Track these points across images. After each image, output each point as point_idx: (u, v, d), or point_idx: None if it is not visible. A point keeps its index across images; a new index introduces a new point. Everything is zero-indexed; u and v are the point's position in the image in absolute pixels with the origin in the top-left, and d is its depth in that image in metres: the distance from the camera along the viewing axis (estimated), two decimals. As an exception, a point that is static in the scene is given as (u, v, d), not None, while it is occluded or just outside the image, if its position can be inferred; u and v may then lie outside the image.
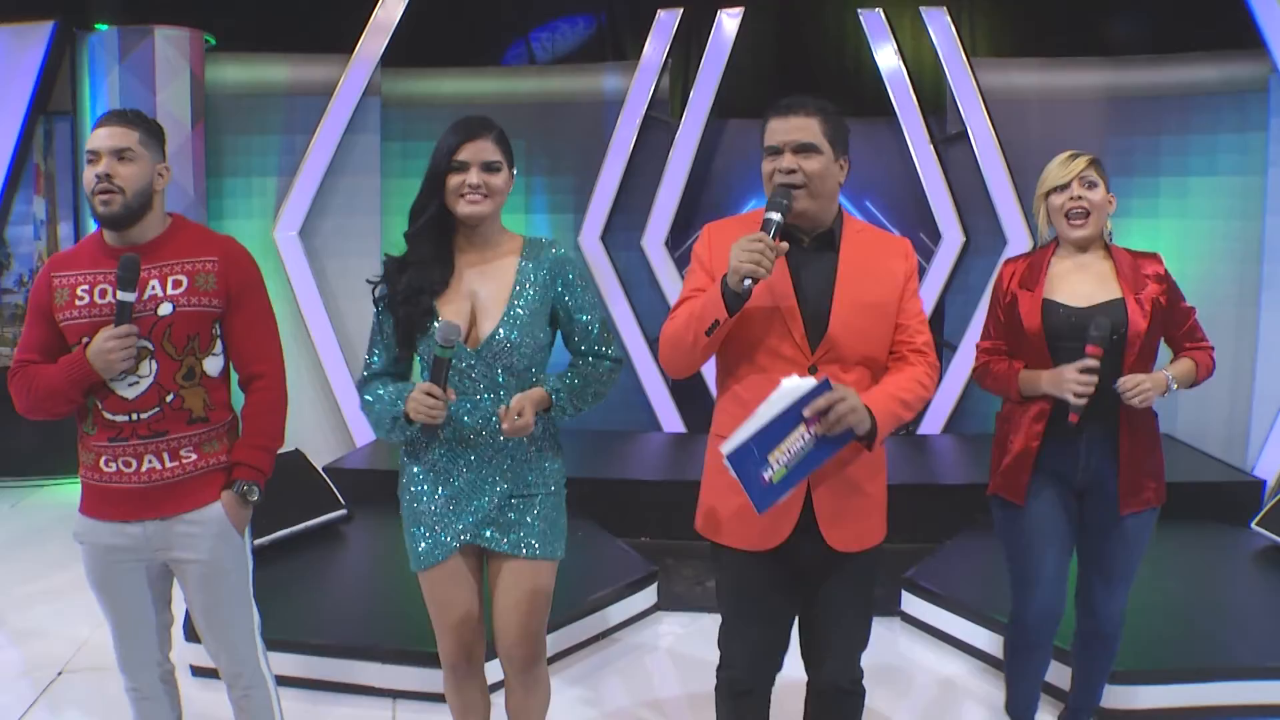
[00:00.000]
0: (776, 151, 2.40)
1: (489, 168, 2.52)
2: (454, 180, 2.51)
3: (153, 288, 2.56)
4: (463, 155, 2.51)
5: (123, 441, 2.57)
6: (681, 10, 7.00)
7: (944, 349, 7.01)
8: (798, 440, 2.25)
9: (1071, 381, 2.73)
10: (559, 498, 2.70)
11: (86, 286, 2.56)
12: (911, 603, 4.42)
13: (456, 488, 2.59)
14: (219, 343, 2.66)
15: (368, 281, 2.67)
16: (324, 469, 5.61)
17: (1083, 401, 2.72)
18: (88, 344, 2.50)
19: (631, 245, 7.09)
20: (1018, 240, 6.56)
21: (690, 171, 7.08)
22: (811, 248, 2.47)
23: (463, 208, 2.52)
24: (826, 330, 2.41)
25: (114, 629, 2.74)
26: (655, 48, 7.06)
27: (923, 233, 7.11)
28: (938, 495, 5.47)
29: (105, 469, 2.59)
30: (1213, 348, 3.01)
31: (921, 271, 7.01)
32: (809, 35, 7.99)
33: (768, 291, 2.39)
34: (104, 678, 3.96)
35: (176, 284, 2.58)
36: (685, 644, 4.29)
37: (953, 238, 6.77)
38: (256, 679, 2.83)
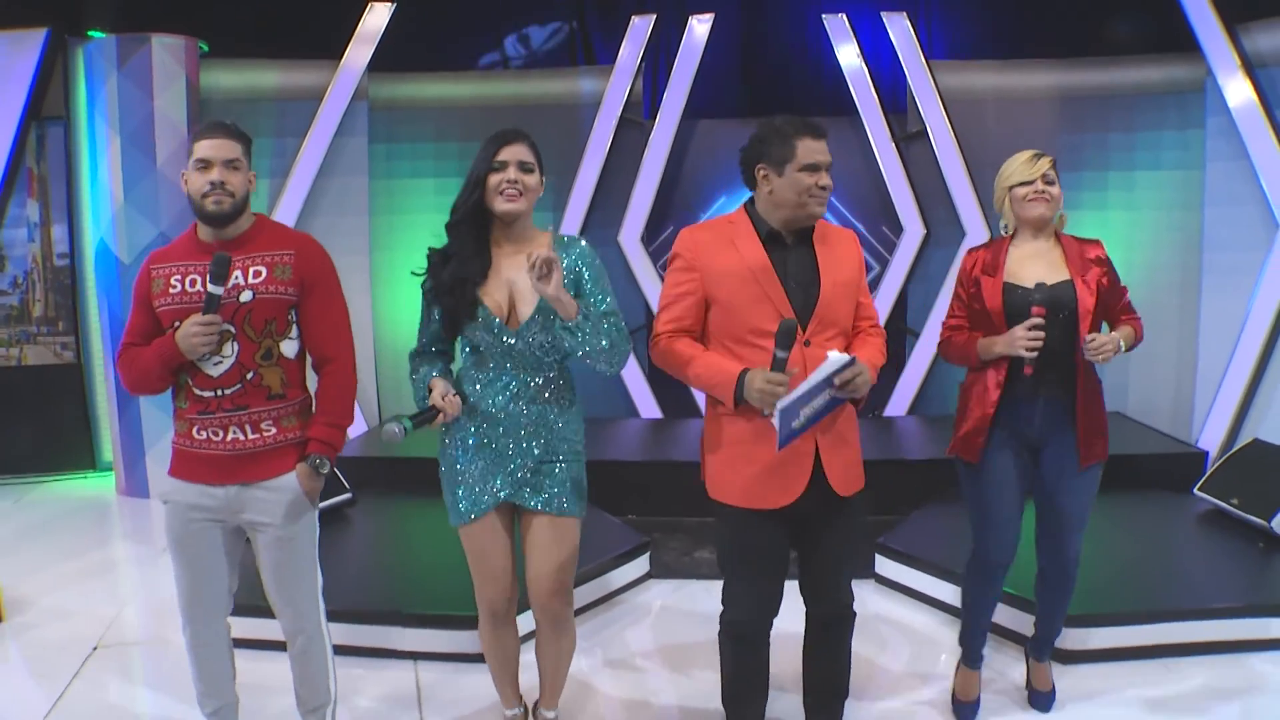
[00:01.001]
0: (816, 169, 2.80)
1: (524, 168, 2.87)
2: (494, 179, 2.85)
3: (236, 277, 2.87)
4: (502, 156, 2.85)
5: (210, 414, 2.89)
6: (655, 16, 7.32)
7: (906, 335, 7.37)
8: (821, 399, 2.69)
9: (1022, 338, 3.10)
10: (581, 461, 3.05)
11: (179, 277, 2.89)
12: (884, 565, 4.80)
13: (495, 452, 2.93)
14: (295, 327, 2.97)
15: (413, 274, 3.01)
16: (333, 454, 5.87)
17: (1033, 355, 3.10)
18: (178, 328, 2.80)
19: (609, 242, 7.38)
20: (975, 232, 6.96)
21: (663, 170, 7.42)
22: (791, 243, 2.88)
23: (501, 204, 2.85)
24: (815, 309, 2.83)
25: (185, 583, 3.02)
26: (629, 52, 7.36)
27: (885, 225, 7.47)
28: (905, 470, 5.86)
29: (197, 436, 2.92)
30: (1140, 319, 3.42)
31: (884, 263, 7.41)
32: (773, 38, 8.30)
33: (755, 282, 2.81)
34: (140, 651, 4.29)
35: (256, 274, 2.89)
36: (676, 605, 4.70)
37: (914, 230, 7.15)
38: (316, 635, 3.13)
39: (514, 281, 2.91)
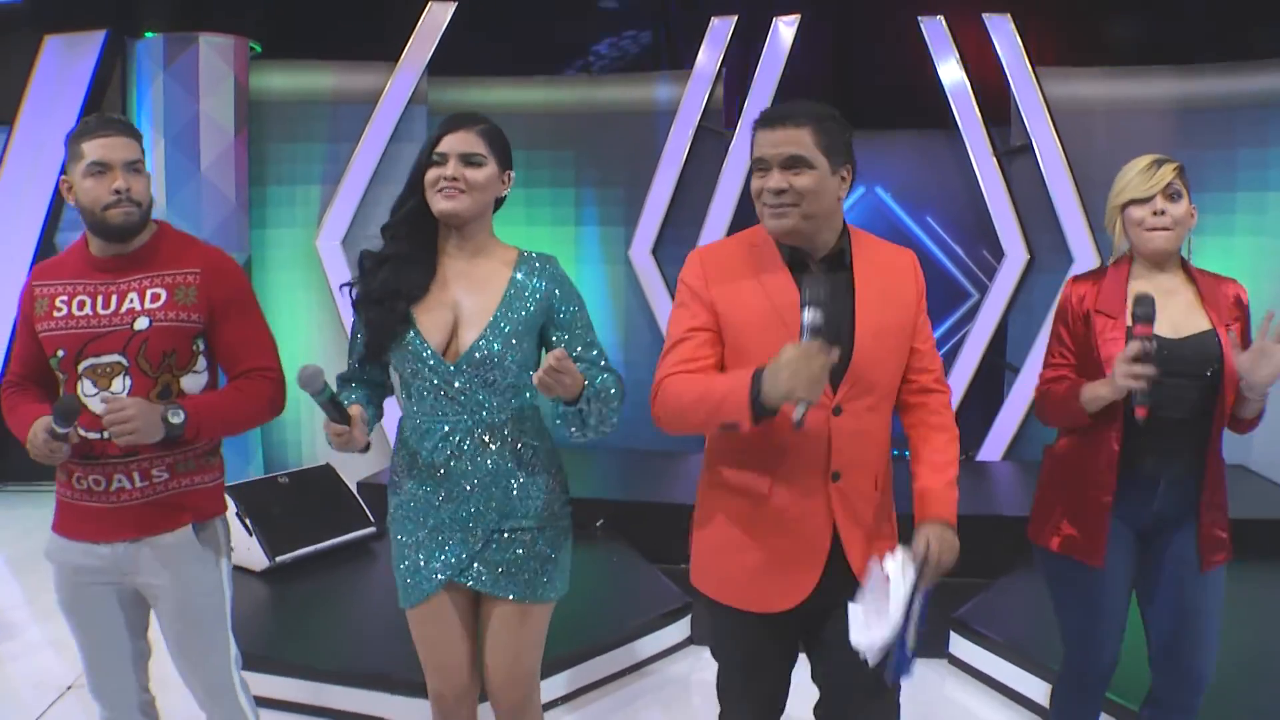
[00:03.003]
0: (765, 167, 2.14)
1: (468, 160, 2.33)
2: (432, 174, 2.33)
3: (131, 300, 2.43)
4: (442, 147, 2.34)
5: (94, 460, 2.43)
6: (735, 18, 6.81)
7: (1005, 371, 6.70)
8: (918, 606, 2.12)
9: (1123, 371, 2.35)
10: (557, 530, 2.47)
11: (65, 297, 2.45)
12: (960, 645, 4.12)
13: (439, 520, 2.40)
14: (201, 359, 2.51)
15: (343, 286, 2.51)
16: (358, 484, 5.49)
17: (1144, 385, 2.35)
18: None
19: (682, 258, 6.84)
20: (1084, 257, 6.26)
21: (747, 181, 6.85)
22: (818, 271, 2.19)
23: (439, 203, 2.33)
24: (850, 363, 2.14)
25: (84, 655, 2.60)
26: (709, 56, 6.91)
27: (985, 249, 6.86)
28: (995, 527, 5.12)
29: (77, 486, 2.48)
30: None
31: (983, 289, 6.74)
32: (867, 44, 7.74)
33: (778, 321, 2.14)
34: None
35: (155, 297, 2.44)
36: (713, 678, 4.05)
37: (1016, 254, 6.48)
38: (234, 714, 2.67)
39: (460, 304, 2.38)
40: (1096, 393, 2.47)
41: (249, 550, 4.77)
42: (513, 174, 2.45)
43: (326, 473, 5.27)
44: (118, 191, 2.38)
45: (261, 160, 6.88)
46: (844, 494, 2.19)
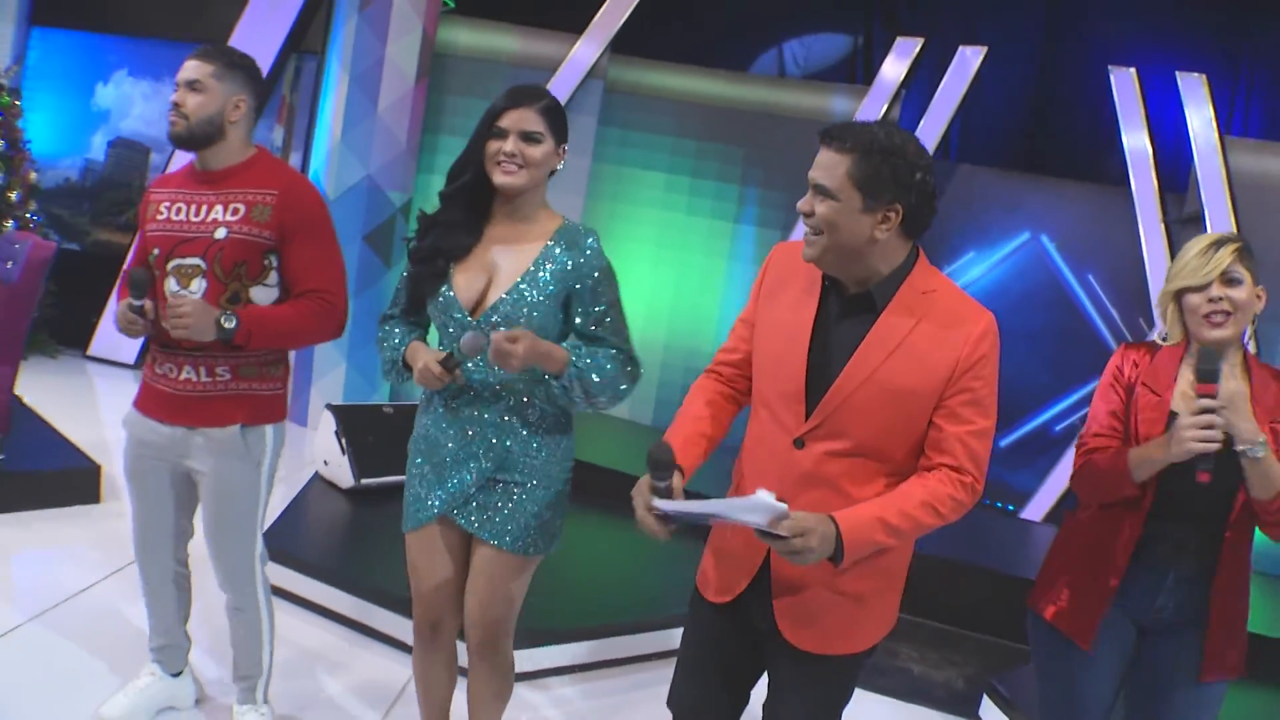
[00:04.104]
0: (809, 188, 2.02)
1: (528, 138, 2.40)
2: (493, 146, 2.41)
3: (215, 211, 2.66)
4: (503, 122, 2.41)
5: (170, 349, 2.69)
6: (922, 40, 6.70)
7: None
8: (715, 516, 1.97)
9: (1189, 431, 2.16)
10: (551, 492, 2.54)
11: (168, 204, 2.72)
12: (990, 711, 3.94)
13: (443, 458, 2.51)
14: (273, 274, 2.71)
15: (404, 239, 2.63)
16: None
17: (1213, 448, 2.17)
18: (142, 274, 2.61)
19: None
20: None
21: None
22: (846, 305, 2.07)
23: (498, 176, 2.41)
24: (820, 402, 2.03)
25: (136, 515, 2.90)
26: (890, 74, 6.82)
27: (1142, 317, 6.52)
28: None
29: (155, 370, 2.77)
30: None
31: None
32: (1060, 85, 7.47)
33: (784, 340, 2.10)
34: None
35: (235, 211, 2.66)
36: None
37: (1162, 327, 6.10)
38: (248, 602, 2.90)
39: (497, 265, 2.47)
40: (1150, 455, 2.26)
41: (339, 467, 5.03)
42: (566, 148, 2.51)
43: (413, 411, 5.47)
44: (172, 105, 2.66)
45: (438, 110, 7.16)
46: None
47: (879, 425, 2.01)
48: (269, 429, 2.82)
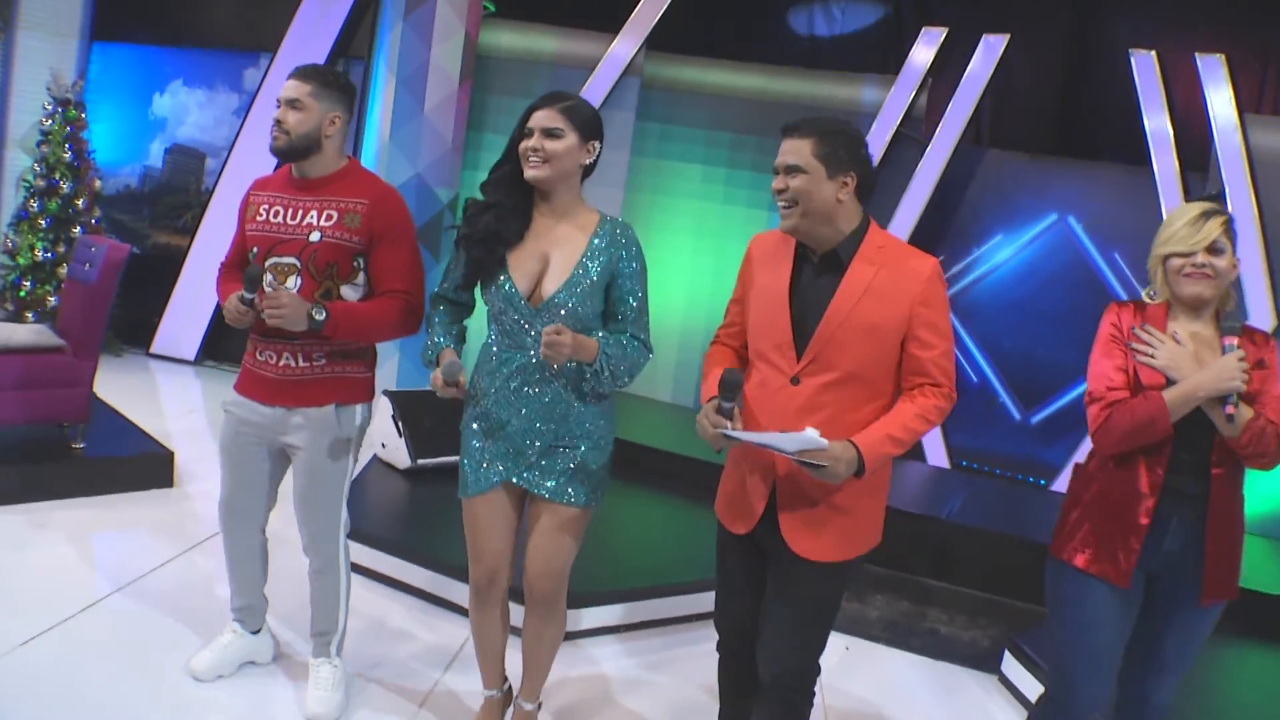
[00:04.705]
0: (775, 171, 2.51)
1: (549, 133, 2.67)
2: (522, 145, 2.70)
3: (311, 216, 2.95)
4: (530, 122, 2.70)
5: (270, 338, 3.00)
6: (946, 30, 6.88)
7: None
8: (774, 445, 2.37)
9: (1234, 366, 2.44)
10: (600, 452, 2.83)
11: (266, 206, 3.02)
12: (1012, 666, 4.13)
13: (506, 432, 2.78)
14: (361, 275, 3.00)
15: (450, 227, 2.90)
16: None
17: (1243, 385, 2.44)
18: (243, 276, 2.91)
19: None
20: (1260, 318, 6.00)
21: (941, 194, 6.97)
22: (818, 265, 2.53)
23: (526, 171, 2.69)
24: (809, 343, 2.48)
25: (226, 488, 3.21)
26: (918, 62, 7.01)
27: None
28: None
29: (257, 358, 3.07)
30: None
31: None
32: (1085, 70, 7.61)
33: (769, 303, 2.56)
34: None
35: (328, 217, 2.95)
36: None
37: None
38: (330, 566, 3.21)
39: (548, 256, 2.75)
40: (1188, 394, 2.47)
41: (397, 449, 5.32)
42: (597, 144, 2.77)
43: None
44: (274, 121, 2.95)
45: (482, 109, 7.45)
46: (788, 457, 2.43)
47: (858, 356, 2.48)
48: (359, 408, 3.12)
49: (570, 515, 2.82)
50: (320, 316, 2.86)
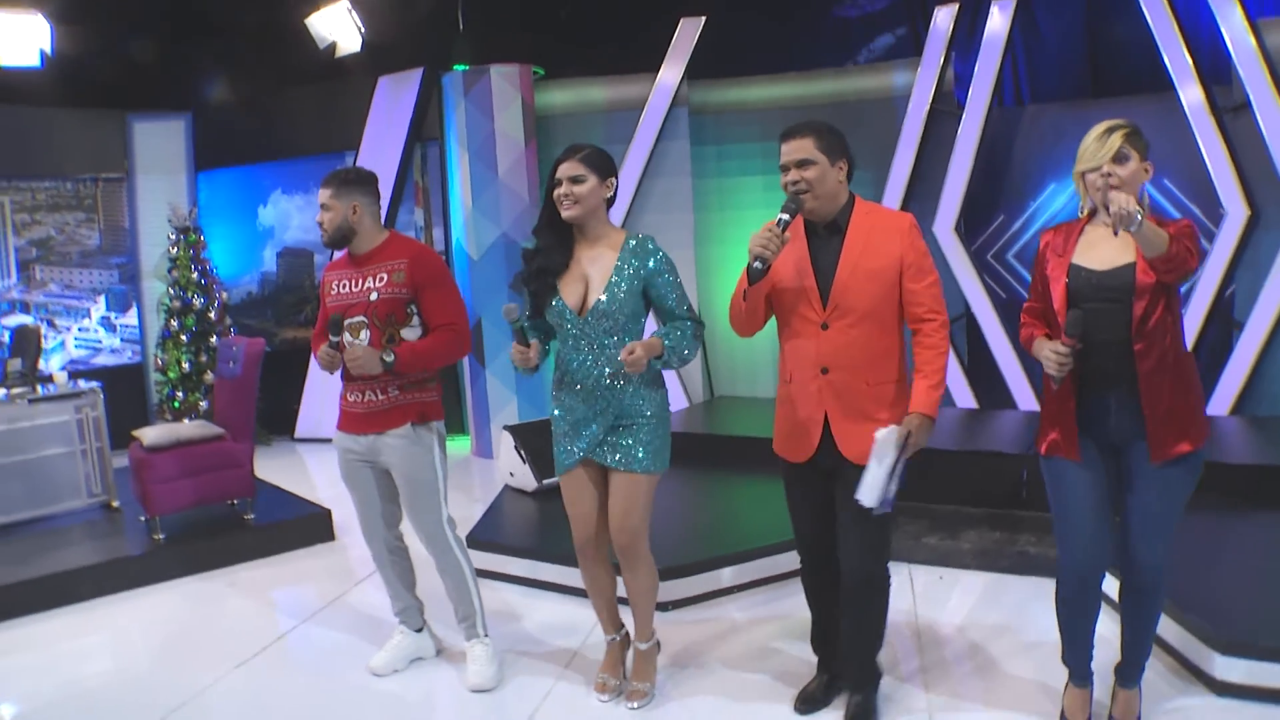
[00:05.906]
0: (785, 168, 3.13)
1: (574, 180, 3.32)
2: (555, 192, 3.36)
3: (368, 282, 3.66)
4: (558, 173, 3.36)
5: (355, 382, 3.69)
6: (957, 6, 7.27)
7: (1232, 329, 6.75)
8: (899, 468, 3.05)
9: (1049, 356, 2.94)
10: (659, 422, 3.43)
11: (336, 281, 3.75)
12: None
13: (576, 418, 3.42)
14: (415, 318, 3.68)
15: (516, 274, 3.56)
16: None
17: (1061, 374, 2.93)
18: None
19: (925, 233, 7.35)
20: (1306, 210, 6.18)
21: (987, 159, 7.33)
22: (824, 234, 3.19)
23: (561, 212, 3.35)
24: (830, 295, 3.12)
25: (356, 510, 3.90)
26: (935, 42, 7.39)
27: (1220, 207, 6.84)
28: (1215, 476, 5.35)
29: (349, 399, 3.75)
30: (1195, 254, 2.84)
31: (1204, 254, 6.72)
32: (1107, 9, 7.83)
33: (795, 272, 3.19)
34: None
35: (380, 279, 3.66)
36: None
37: (1236, 212, 6.48)
38: (448, 558, 3.84)
39: (589, 275, 3.37)
40: (1040, 353, 3.01)
41: (523, 475, 5.96)
42: (614, 180, 3.43)
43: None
44: (318, 222, 3.73)
45: (550, 164, 8.03)
46: (832, 385, 3.18)
47: (870, 296, 3.13)
48: (434, 424, 3.77)
49: (635, 480, 3.40)
50: (389, 359, 3.55)
